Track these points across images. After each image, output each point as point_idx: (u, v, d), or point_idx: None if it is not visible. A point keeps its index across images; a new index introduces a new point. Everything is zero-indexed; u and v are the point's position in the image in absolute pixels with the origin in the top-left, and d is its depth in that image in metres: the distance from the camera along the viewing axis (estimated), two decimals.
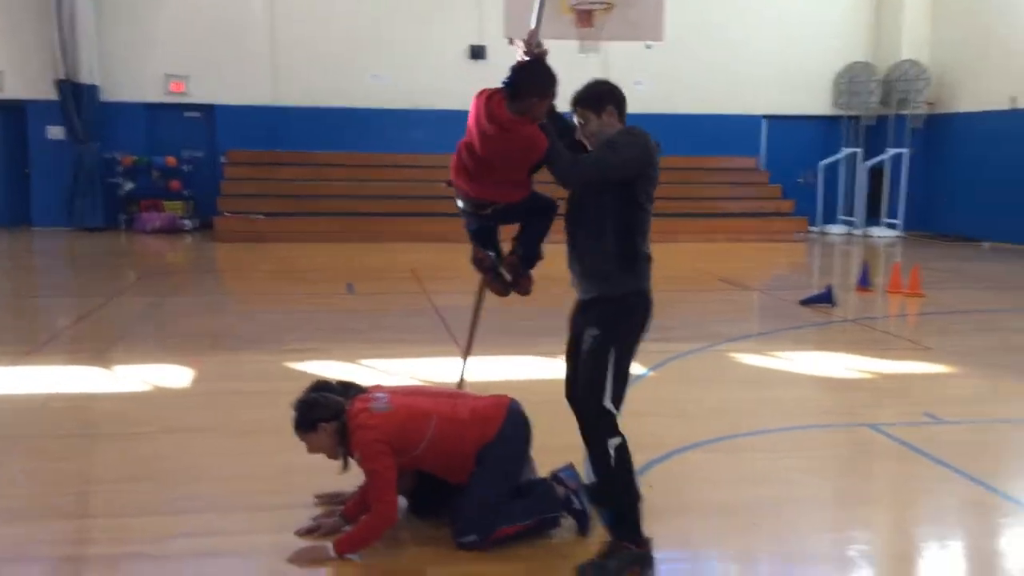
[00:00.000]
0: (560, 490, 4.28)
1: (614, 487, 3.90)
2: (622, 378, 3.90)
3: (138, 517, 4.39)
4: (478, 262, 4.43)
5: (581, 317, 4.06)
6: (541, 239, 4.35)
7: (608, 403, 3.83)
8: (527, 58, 4.05)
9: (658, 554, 3.95)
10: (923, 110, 20.00)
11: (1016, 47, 17.78)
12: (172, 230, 18.41)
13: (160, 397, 6.65)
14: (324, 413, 4.11)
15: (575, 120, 4.13)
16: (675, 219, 17.15)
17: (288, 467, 5.14)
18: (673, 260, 15.05)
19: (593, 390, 3.85)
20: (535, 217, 4.31)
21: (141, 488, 4.79)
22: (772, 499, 4.70)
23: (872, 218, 20.19)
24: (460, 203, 4.27)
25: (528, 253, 4.37)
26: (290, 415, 4.22)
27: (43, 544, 4.09)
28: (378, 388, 4.33)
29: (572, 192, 4.08)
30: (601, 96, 4.08)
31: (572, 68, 15.97)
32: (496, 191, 4.15)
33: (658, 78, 19.44)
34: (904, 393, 7.00)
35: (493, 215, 4.22)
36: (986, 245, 18.10)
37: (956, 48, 19.62)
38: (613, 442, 3.84)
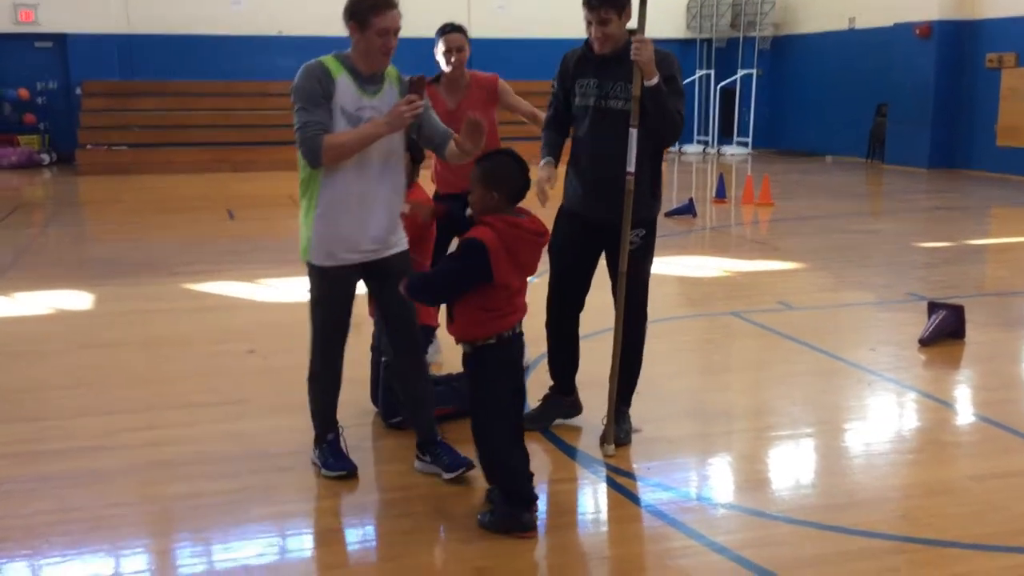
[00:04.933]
0: None
1: (637, 360, 4.46)
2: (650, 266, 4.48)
3: (81, 418, 4.72)
4: None
5: (601, 235, 4.29)
6: None
7: (647, 292, 4.44)
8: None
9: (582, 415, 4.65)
10: (770, 32, 21.10)
11: None
12: (29, 165, 17.89)
13: (67, 318, 6.86)
14: None
15: (590, 19, 4.04)
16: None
17: (207, 370, 5.55)
18: None
19: (644, 280, 4.39)
20: None
21: (77, 394, 5.10)
22: (648, 373, 5.35)
23: (725, 137, 21.30)
24: None
25: None
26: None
27: None
28: None
29: (600, 125, 4.16)
30: None
31: None
32: None
33: (520, 3, 19.83)
34: (759, 286, 7.84)
35: None
36: (828, 159, 19.46)
37: None
38: (646, 324, 4.47)
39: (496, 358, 3.48)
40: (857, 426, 4.72)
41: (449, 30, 5.13)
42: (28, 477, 4.00)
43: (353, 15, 3.67)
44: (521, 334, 3.58)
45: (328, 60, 3.74)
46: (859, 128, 18.79)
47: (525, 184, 3.45)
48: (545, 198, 4.29)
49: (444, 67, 5.15)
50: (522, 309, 3.55)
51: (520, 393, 3.67)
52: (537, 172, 4.31)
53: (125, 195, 14.46)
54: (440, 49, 5.13)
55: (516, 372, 3.61)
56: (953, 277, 8.16)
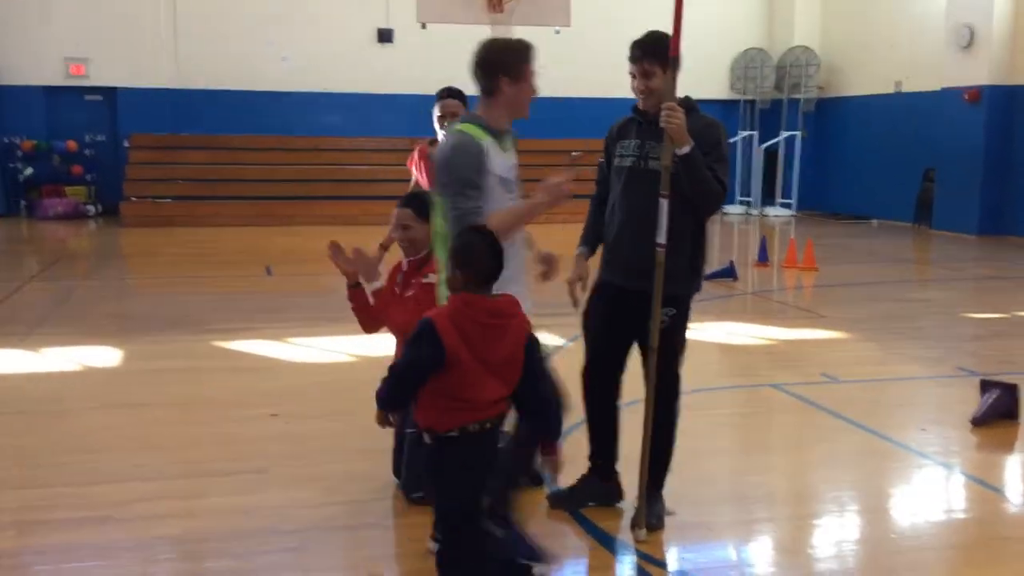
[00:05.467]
0: None
1: (669, 441, 4.18)
2: (684, 348, 4.18)
3: (93, 485, 4.57)
4: None
5: (633, 306, 4.05)
6: None
7: (680, 370, 4.16)
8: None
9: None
10: (814, 94, 20.91)
11: (900, 32, 18.73)
12: (75, 216, 18.10)
13: (93, 376, 6.76)
14: None
15: (634, 72, 3.94)
16: (585, 200, 17.63)
17: (228, 436, 5.38)
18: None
19: (674, 361, 4.10)
20: None
21: (91, 459, 4.95)
22: (686, 450, 5.11)
23: (768, 198, 21.03)
24: None
25: None
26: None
27: (4, 512, 4.25)
28: None
29: (635, 185, 3.99)
30: (668, 49, 3.88)
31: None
32: None
33: (562, 63, 19.79)
34: (803, 357, 7.56)
35: None
36: (874, 222, 19.11)
37: (845, 35, 20.58)
38: (678, 403, 4.20)
39: (458, 455, 3.15)
40: (907, 516, 4.43)
41: (445, 95, 5.00)
42: (30, 550, 3.85)
43: (506, 68, 3.51)
44: (493, 436, 3.23)
45: (472, 130, 3.52)
46: (906, 192, 18.45)
47: (493, 268, 3.17)
48: (575, 300, 4.13)
49: (439, 133, 5.03)
50: (493, 409, 3.19)
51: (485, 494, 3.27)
52: (570, 268, 4.15)
53: (167, 248, 14.52)
54: (436, 114, 5.01)
55: (479, 476, 3.21)
56: (1005, 351, 7.82)
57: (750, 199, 21.20)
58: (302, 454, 5.03)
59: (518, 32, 16.53)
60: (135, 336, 8.00)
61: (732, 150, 20.93)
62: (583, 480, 4.38)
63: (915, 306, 9.99)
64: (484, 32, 14.96)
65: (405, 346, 3.22)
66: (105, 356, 7.25)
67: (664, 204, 3.85)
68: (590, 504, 4.33)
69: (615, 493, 4.38)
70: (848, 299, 10.30)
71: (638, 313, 4.04)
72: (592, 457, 4.38)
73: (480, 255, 3.15)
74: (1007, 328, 8.88)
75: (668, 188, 3.85)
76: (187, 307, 9.57)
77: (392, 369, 3.16)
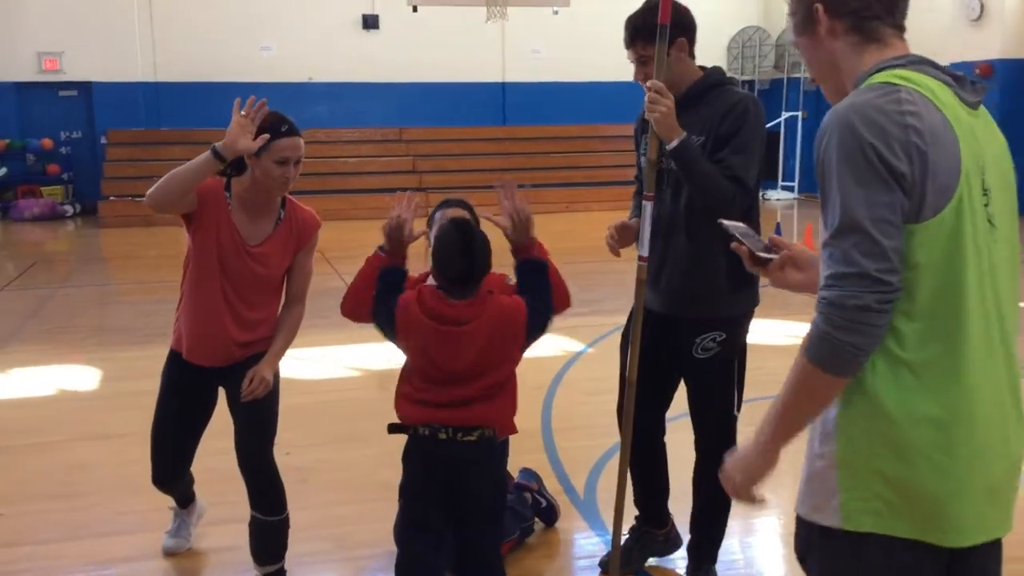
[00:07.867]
0: (527, 496, 4.05)
1: (721, 509, 3.48)
2: (742, 388, 3.46)
3: (67, 542, 3.91)
4: None
5: (673, 336, 3.39)
6: None
7: (737, 411, 3.43)
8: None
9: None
10: None
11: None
12: (52, 217, 17.34)
13: (70, 401, 6.08)
14: None
15: (631, 59, 3.27)
16: (581, 188, 17.03)
17: (221, 473, 4.67)
18: (584, 229, 14.87)
19: (724, 407, 3.41)
20: None
21: (68, 507, 4.30)
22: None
23: (769, 181, 20.44)
24: None
25: None
26: None
27: None
28: None
29: (660, 196, 3.26)
30: (674, 23, 3.11)
31: (469, 35, 15.65)
32: None
33: (556, 47, 19.18)
34: None
35: None
36: None
37: None
38: None
39: (408, 458, 2.99)
40: None
41: (287, 132, 3.40)
42: None
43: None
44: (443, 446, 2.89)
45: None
46: None
47: (450, 264, 2.85)
48: (612, 247, 3.50)
49: (264, 180, 3.39)
50: (428, 411, 2.90)
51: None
52: None
53: (148, 250, 13.81)
54: (272, 156, 3.33)
55: (413, 498, 2.97)
56: None
57: None
58: (310, 493, 4.37)
59: (513, 13, 15.90)
60: (114, 351, 7.32)
61: None
62: (634, 532, 3.75)
63: None
64: (477, 15, 14.32)
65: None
66: (80, 376, 6.57)
67: (648, 208, 3.20)
68: (650, 560, 3.69)
69: (672, 540, 3.75)
70: None
71: (669, 339, 3.41)
72: (637, 502, 3.74)
73: (435, 249, 2.90)
74: None
75: (653, 189, 3.21)
76: (172, 316, 8.85)
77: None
